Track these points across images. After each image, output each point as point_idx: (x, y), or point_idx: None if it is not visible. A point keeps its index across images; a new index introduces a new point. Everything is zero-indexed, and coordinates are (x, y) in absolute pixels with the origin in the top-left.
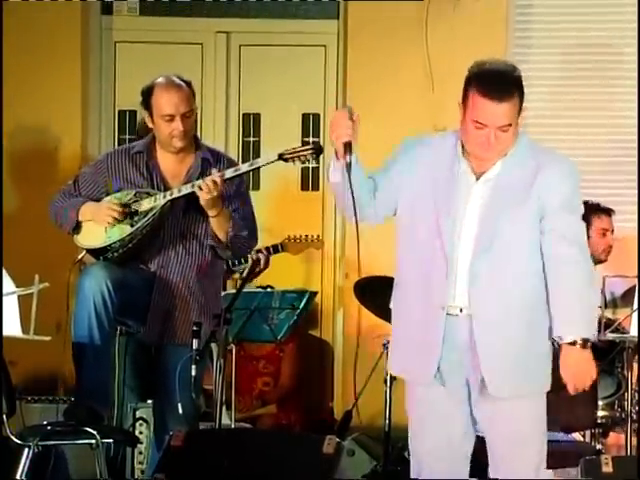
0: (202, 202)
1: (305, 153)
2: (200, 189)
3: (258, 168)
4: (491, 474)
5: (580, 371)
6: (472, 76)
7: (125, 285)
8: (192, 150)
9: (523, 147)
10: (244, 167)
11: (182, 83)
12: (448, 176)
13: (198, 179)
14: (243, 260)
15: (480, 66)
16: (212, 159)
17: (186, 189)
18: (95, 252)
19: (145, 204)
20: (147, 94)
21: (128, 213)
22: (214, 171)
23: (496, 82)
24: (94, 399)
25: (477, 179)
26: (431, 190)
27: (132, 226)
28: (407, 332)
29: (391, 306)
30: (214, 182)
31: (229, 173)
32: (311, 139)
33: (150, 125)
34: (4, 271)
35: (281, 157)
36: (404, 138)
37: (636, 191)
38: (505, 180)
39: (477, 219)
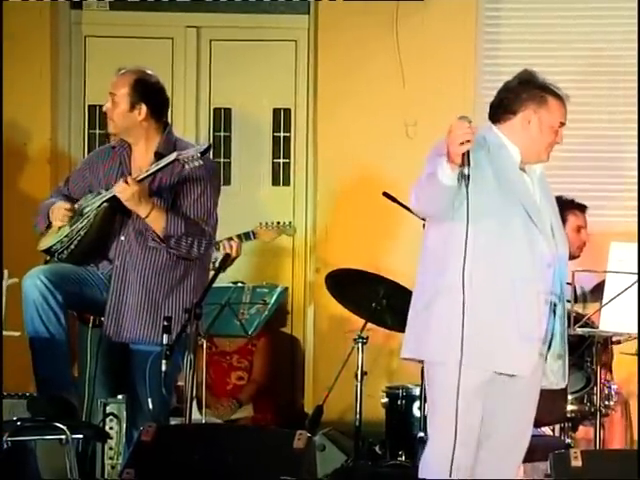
0: (124, 203)
1: (193, 154)
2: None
3: (162, 168)
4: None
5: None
6: (544, 87)
7: (76, 281)
8: (156, 145)
9: None
10: (152, 168)
11: (129, 74)
12: (515, 175)
13: (155, 174)
14: (215, 250)
15: (538, 77)
16: (168, 153)
17: (112, 191)
18: (46, 253)
19: (89, 205)
20: None
21: (77, 214)
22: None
23: (555, 87)
24: (54, 390)
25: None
26: (509, 188)
27: (70, 227)
28: (511, 329)
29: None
30: (126, 183)
31: (141, 175)
32: (282, 134)
33: None
34: None
35: (177, 158)
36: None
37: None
38: (543, 177)
39: (548, 214)
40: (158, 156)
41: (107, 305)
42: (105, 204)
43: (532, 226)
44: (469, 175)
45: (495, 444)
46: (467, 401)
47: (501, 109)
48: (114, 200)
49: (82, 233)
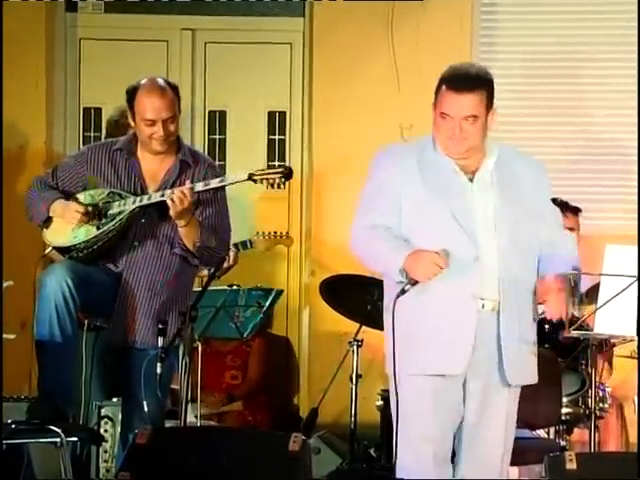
0: (171, 213)
1: (274, 176)
2: (172, 201)
3: (226, 185)
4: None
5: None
6: (442, 77)
7: (89, 283)
8: (173, 151)
9: (502, 149)
10: (214, 182)
11: (167, 87)
12: (448, 176)
13: (175, 182)
14: None
15: (450, 68)
16: (192, 162)
17: (156, 197)
18: (61, 250)
19: (115, 207)
20: (131, 94)
21: (97, 214)
22: (185, 180)
23: (461, 78)
24: (55, 398)
25: (470, 180)
26: (436, 193)
27: (98, 228)
28: (437, 328)
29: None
30: (183, 194)
31: (199, 187)
32: (277, 137)
33: (132, 124)
34: None
35: (250, 177)
36: (377, 155)
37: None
38: (499, 179)
39: (489, 218)
40: (184, 164)
41: (114, 308)
42: (137, 209)
43: (457, 226)
44: (405, 290)
45: (469, 452)
46: (417, 409)
47: None
48: (149, 206)
49: (110, 235)
